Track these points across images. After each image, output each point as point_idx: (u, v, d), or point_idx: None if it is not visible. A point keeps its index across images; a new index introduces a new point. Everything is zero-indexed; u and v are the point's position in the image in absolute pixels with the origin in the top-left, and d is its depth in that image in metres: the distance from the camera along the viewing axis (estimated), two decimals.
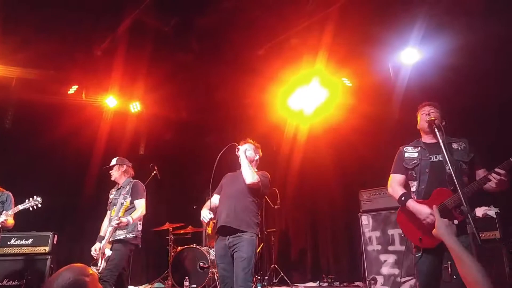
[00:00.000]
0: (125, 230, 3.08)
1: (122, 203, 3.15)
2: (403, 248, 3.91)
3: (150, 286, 5.30)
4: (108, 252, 2.92)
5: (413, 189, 2.35)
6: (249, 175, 2.68)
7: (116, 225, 2.94)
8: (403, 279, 3.96)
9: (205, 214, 2.65)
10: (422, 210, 2.20)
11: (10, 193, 3.58)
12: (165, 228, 5.11)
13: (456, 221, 2.11)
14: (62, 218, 5.26)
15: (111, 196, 3.36)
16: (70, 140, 5.22)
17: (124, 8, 4.25)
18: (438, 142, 2.24)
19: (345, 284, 4.87)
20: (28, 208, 3.39)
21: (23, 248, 4.18)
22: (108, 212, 3.31)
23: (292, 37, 4.58)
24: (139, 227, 3.23)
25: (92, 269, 1.74)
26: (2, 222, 3.30)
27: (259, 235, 2.77)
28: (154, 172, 4.91)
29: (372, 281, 4.21)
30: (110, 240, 2.99)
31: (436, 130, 2.16)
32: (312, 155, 5.45)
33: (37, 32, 4.32)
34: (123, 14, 4.32)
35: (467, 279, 1.23)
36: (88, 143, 5.30)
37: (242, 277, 2.46)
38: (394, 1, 4.03)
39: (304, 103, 5.40)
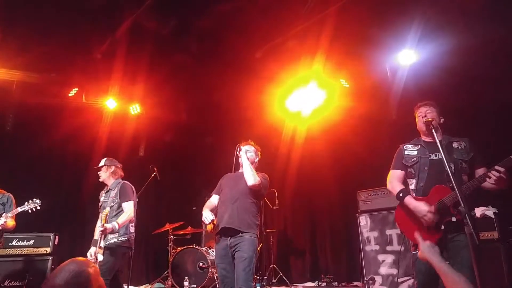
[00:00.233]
0: (117, 233, 3.04)
1: (111, 206, 3.12)
2: (400, 248, 3.93)
3: (150, 286, 5.33)
4: (100, 258, 2.88)
5: (412, 186, 2.35)
6: (251, 177, 2.69)
7: (101, 233, 2.89)
8: (401, 279, 3.98)
9: (207, 215, 2.65)
10: (419, 207, 2.20)
11: (11, 195, 3.61)
12: (165, 228, 5.14)
13: (454, 219, 2.13)
14: (63, 219, 5.30)
15: (101, 199, 3.31)
16: (71, 142, 5.26)
17: (123, 11, 4.29)
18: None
19: (343, 284, 4.89)
20: (28, 210, 3.41)
21: (24, 249, 4.22)
22: (100, 215, 3.22)
23: (290, 39, 4.60)
24: (131, 229, 3.17)
25: None
26: (1, 224, 3.33)
27: (259, 236, 2.79)
28: (154, 173, 4.94)
29: (370, 281, 4.23)
30: (101, 246, 2.93)
31: (433, 131, 2.17)
32: (310, 156, 5.48)
33: (37, 35, 4.36)
34: (122, 17, 4.35)
35: None
36: (88, 145, 5.33)
37: (243, 276, 2.47)
38: (391, 3, 4.05)
39: (302, 104, 5.43)
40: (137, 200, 4.55)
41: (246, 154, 2.83)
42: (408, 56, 4.60)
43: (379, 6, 4.06)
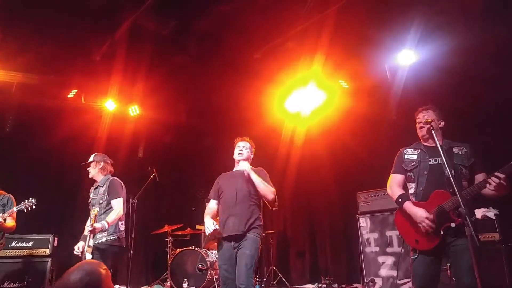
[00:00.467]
0: (106, 232, 2.94)
1: (100, 204, 3.04)
2: (401, 250, 3.91)
3: None
4: (89, 256, 2.81)
5: (411, 191, 2.35)
6: (268, 191, 2.70)
7: (89, 232, 2.82)
8: (401, 281, 3.96)
9: (208, 225, 2.63)
10: (417, 213, 2.20)
11: (11, 196, 3.60)
12: (164, 230, 5.12)
13: (453, 224, 2.12)
14: (62, 220, 5.29)
15: (91, 195, 3.22)
16: (70, 143, 5.27)
17: (122, 12, 4.29)
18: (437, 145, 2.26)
19: (343, 286, 4.87)
20: (23, 210, 3.37)
21: (23, 250, 4.21)
22: (90, 212, 3.12)
23: (289, 39, 4.60)
24: (121, 227, 3.07)
25: None
26: None
27: (262, 235, 2.73)
28: (153, 174, 4.93)
29: (370, 283, 4.20)
30: (90, 245, 2.87)
31: (433, 131, 2.17)
32: (309, 156, 5.46)
33: (37, 37, 4.37)
34: (121, 18, 4.36)
35: None
36: (88, 146, 5.32)
37: (245, 273, 2.45)
38: (391, 3, 4.05)
39: (301, 105, 5.42)
40: (135, 199, 4.59)
41: (243, 150, 2.81)
42: (407, 57, 4.58)
43: (379, 7, 4.05)
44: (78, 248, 2.93)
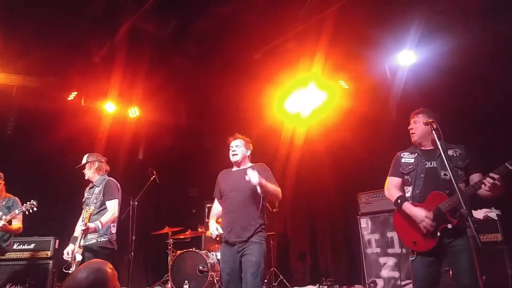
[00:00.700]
0: (96, 234, 2.90)
1: (94, 203, 2.98)
2: (402, 250, 3.90)
3: None
4: (79, 257, 2.72)
5: (408, 194, 2.38)
6: (277, 194, 2.67)
7: (82, 232, 2.76)
8: (403, 282, 3.94)
9: (213, 229, 2.60)
10: (417, 213, 2.22)
11: (16, 199, 3.63)
12: (164, 232, 5.12)
13: (450, 225, 2.15)
14: (63, 223, 5.26)
15: (85, 195, 3.17)
16: (70, 145, 5.26)
17: (121, 15, 4.29)
18: (434, 149, 2.32)
19: (344, 287, 4.85)
20: (25, 212, 3.38)
21: (25, 252, 4.22)
22: (83, 211, 3.08)
23: (289, 40, 4.59)
24: (113, 230, 3.01)
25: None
26: (1, 227, 3.33)
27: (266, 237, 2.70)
28: (153, 176, 4.92)
29: (372, 284, 4.19)
30: (81, 245, 2.79)
31: (433, 132, 2.18)
32: (309, 157, 5.46)
33: (37, 40, 4.37)
34: (120, 20, 4.36)
35: None
36: (88, 148, 5.27)
37: (251, 281, 2.41)
38: (390, 3, 4.04)
39: (301, 105, 5.41)
40: (136, 201, 4.58)
41: (237, 150, 2.76)
42: (407, 57, 4.57)
43: (379, 7, 4.04)
44: (67, 252, 2.85)
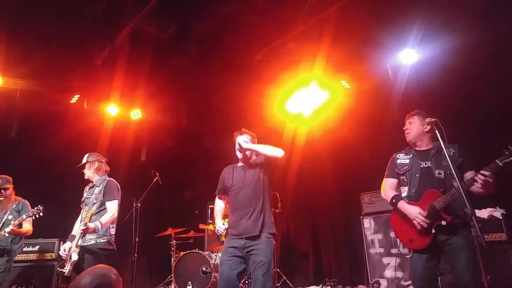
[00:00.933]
0: (95, 235, 2.87)
1: (93, 203, 2.97)
2: (405, 250, 3.88)
3: None
4: (75, 257, 2.69)
5: (404, 193, 2.44)
6: (276, 150, 2.54)
7: (82, 232, 2.74)
8: (407, 282, 3.93)
9: (219, 227, 2.58)
10: (411, 210, 2.29)
11: (26, 201, 3.69)
12: (168, 233, 5.14)
13: (444, 222, 2.19)
14: (67, 225, 5.30)
15: (85, 194, 3.16)
16: (73, 148, 5.28)
17: (122, 17, 4.32)
18: (428, 149, 2.41)
19: (348, 287, 4.84)
20: (31, 217, 3.45)
21: (30, 254, 4.28)
22: (82, 211, 3.08)
23: (290, 40, 4.59)
24: (112, 231, 2.98)
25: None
26: (8, 232, 3.39)
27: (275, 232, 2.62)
28: (156, 178, 4.94)
29: (375, 285, 4.18)
30: (79, 244, 2.77)
31: (436, 131, 2.21)
32: (311, 157, 5.44)
33: (39, 44, 4.42)
34: (122, 23, 4.38)
35: None
36: (90, 150, 5.28)
37: (261, 282, 2.36)
38: (392, 2, 4.02)
39: (302, 106, 5.40)
40: (139, 203, 4.61)
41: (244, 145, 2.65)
42: (409, 56, 4.55)
43: (380, 6, 4.03)
44: (64, 249, 2.83)
